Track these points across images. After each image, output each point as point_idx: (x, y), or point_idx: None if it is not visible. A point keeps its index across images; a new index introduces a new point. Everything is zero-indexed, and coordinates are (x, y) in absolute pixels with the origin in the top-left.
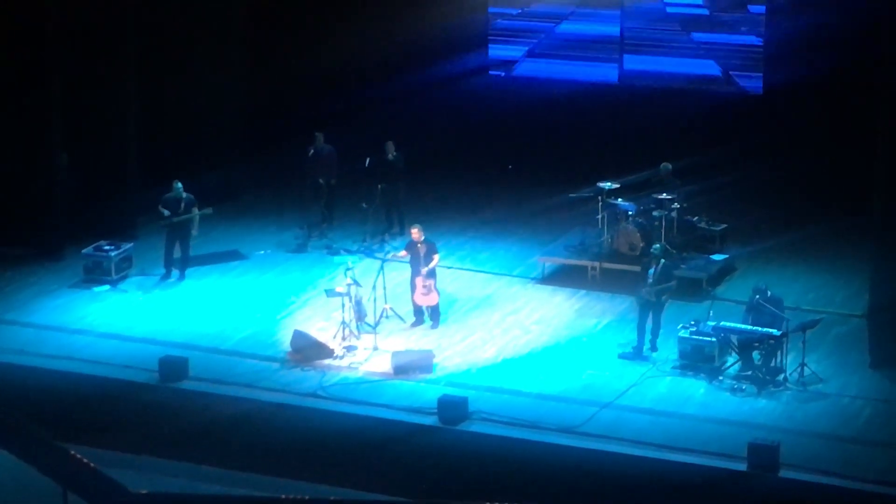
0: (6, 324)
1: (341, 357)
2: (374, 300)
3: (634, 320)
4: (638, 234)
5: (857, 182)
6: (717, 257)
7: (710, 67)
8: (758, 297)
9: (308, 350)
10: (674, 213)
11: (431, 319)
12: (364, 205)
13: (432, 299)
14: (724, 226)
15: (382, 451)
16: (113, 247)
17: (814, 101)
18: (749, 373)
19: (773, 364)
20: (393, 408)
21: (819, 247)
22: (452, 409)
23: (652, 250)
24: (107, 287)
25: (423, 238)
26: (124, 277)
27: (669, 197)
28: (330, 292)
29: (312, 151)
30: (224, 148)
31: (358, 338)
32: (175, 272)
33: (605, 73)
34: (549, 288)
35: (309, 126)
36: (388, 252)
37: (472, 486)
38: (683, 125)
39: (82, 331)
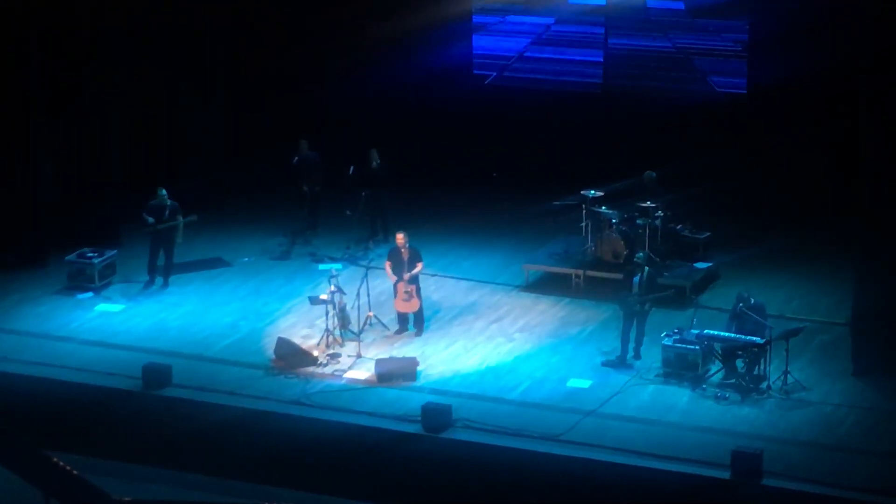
0: None
1: (325, 364)
2: (359, 308)
3: (618, 328)
4: (622, 242)
5: (841, 190)
6: (701, 265)
7: (693, 72)
8: (741, 305)
9: (292, 357)
10: (657, 221)
11: (416, 327)
12: (348, 212)
13: (413, 305)
14: (708, 234)
15: (366, 458)
16: (96, 254)
17: (799, 108)
18: (732, 381)
19: (756, 372)
20: (376, 415)
21: (803, 255)
22: (436, 416)
23: (635, 259)
24: (90, 294)
25: (407, 244)
26: (108, 284)
27: (653, 205)
28: (314, 300)
29: (297, 158)
30: (208, 155)
31: (342, 345)
32: (159, 279)
33: (589, 79)
34: (532, 295)
35: (295, 133)
36: (373, 260)
37: (455, 494)
38: (667, 133)
39: (65, 338)
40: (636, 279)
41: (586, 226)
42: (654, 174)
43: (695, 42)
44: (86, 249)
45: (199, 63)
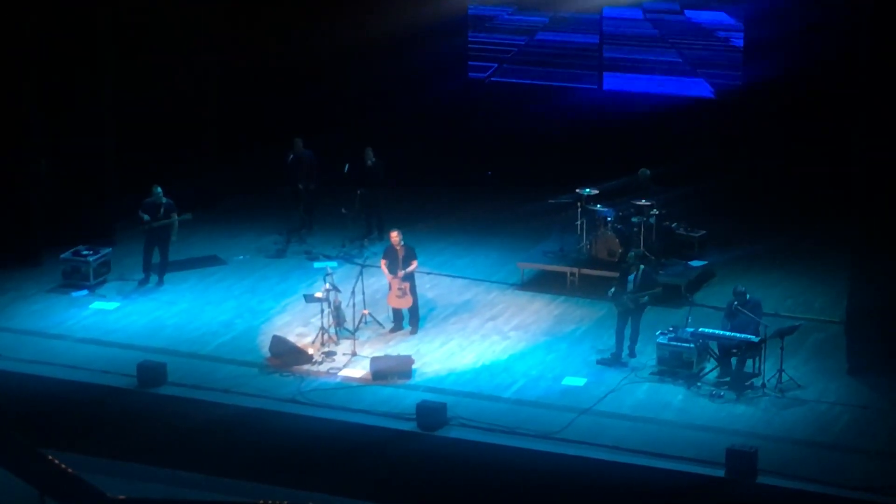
0: None
1: (320, 362)
2: (354, 305)
3: (613, 326)
4: (617, 240)
5: (836, 188)
6: (696, 263)
7: (689, 71)
8: (736, 303)
9: (287, 355)
10: (652, 219)
11: (411, 325)
12: (343, 210)
13: (406, 302)
14: (703, 232)
15: (361, 456)
16: (91, 251)
17: (794, 107)
18: (727, 379)
19: (751, 370)
20: (371, 413)
21: (798, 253)
22: (431, 414)
23: (628, 257)
24: (85, 292)
25: (402, 242)
26: (103, 282)
27: (648, 203)
28: (309, 298)
29: (292, 157)
30: (203, 153)
31: (337, 343)
32: (153, 277)
33: (585, 77)
34: (527, 294)
35: (287, 130)
36: (368, 258)
37: (450, 492)
38: (662, 130)
39: (60, 336)
40: (630, 277)
41: (581, 224)
42: (650, 172)
43: (689, 39)
44: (80, 247)
45: (194, 62)
